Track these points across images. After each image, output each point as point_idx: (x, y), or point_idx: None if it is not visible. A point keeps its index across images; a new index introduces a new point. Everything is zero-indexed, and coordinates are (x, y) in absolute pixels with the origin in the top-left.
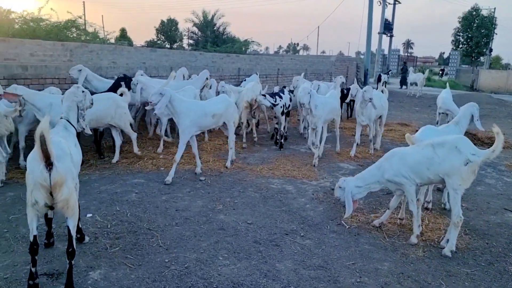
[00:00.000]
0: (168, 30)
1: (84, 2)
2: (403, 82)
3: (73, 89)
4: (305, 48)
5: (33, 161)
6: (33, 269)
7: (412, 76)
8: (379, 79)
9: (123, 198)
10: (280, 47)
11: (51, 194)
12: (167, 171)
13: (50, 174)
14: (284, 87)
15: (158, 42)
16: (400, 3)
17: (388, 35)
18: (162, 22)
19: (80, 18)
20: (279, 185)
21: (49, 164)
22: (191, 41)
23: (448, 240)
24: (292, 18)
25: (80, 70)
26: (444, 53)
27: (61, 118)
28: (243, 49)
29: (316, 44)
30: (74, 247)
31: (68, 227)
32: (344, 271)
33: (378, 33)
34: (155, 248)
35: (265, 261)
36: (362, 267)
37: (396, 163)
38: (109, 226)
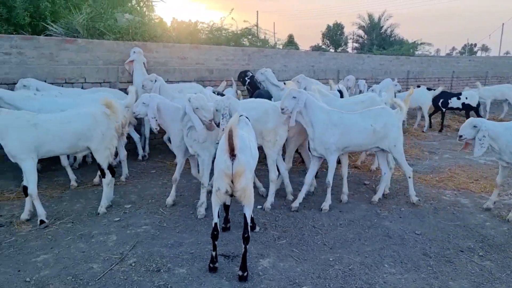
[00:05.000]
0: (333, 35)
1: (257, 12)
2: None
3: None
4: (484, 49)
5: (220, 151)
6: (213, 253)
7: None
8: None
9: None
10: (453, 48)
11: (232, 182)
12: None
13: (232, 164)
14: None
15: (323, 46)
16: None
17: None
18: (328, 26)
19: (255, 25)
20: (452, 197)
21: (233, 155)
22: (356, 45)
23: None
24: (468, 17)
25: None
26: None
27: (241, 116)
28: (412, 51)
29: (498, 44)
30: (249, 233)
31: (244, 214)
32: None
33: None
34: (320, 245)
35: (436, 276)
36: None
37: None
38: (277, 219)
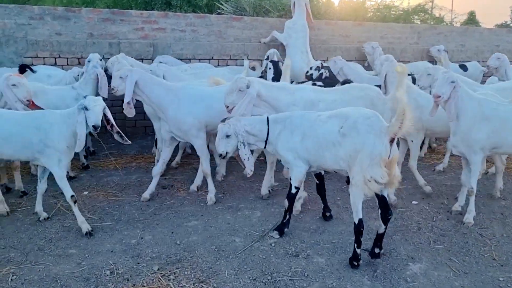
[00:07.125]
0: None
1: None
2: None
3: None
4: None
5: (373, 134)
6: (358, 251)
7: None
8: None
9: (451, 192)
10: None
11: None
12: None
13: (390, 150)
14: None
15: None
16: None
17: None
18: None
19: (430, 1)
20: None
21: (393, 139)
22: None
23: None
24: None
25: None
26: None
27: None
28: None
29: None
30: (391, 214)
31: (385, 196)
32: None
33: None
34: (487, 259)
35: None
36: None
37: None
38: (434, 220)
